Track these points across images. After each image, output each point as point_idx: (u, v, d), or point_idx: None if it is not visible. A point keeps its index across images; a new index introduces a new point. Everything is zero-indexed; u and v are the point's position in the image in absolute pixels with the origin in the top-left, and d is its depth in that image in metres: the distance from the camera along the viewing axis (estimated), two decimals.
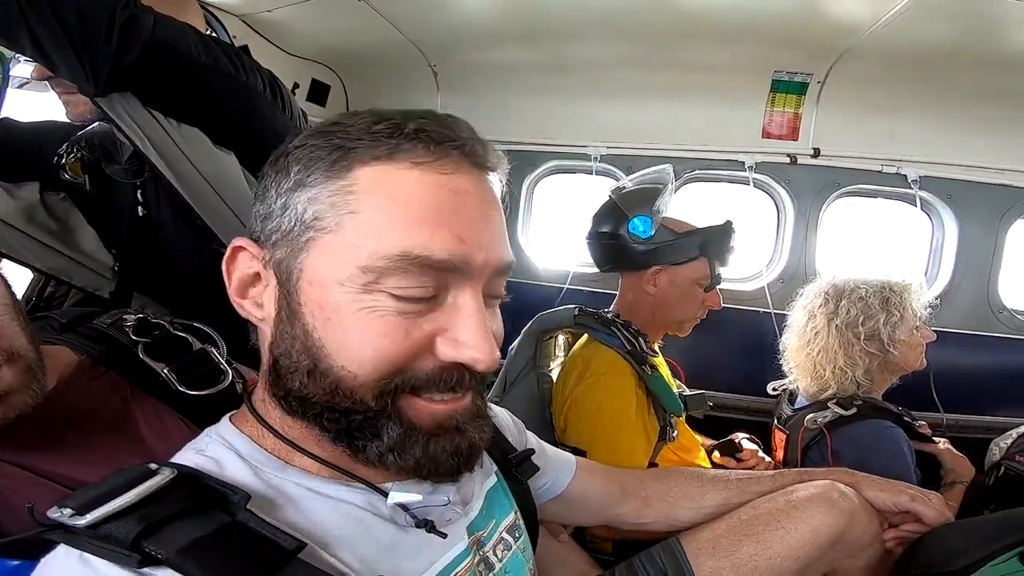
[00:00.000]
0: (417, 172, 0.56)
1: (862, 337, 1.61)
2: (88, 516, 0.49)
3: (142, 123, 1.11)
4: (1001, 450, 1.77)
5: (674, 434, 1.59)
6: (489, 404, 0.99)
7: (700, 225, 1.68)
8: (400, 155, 0.56)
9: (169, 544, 0.48)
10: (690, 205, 2.42)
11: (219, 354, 0.90)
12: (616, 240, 1.66)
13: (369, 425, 0.58)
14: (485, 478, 0.82)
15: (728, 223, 1.67)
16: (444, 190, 0.57)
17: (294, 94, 2.00)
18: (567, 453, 1.11)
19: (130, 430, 0.79)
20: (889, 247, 2.61)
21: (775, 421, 1.88)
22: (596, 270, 1.83)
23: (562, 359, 1.77)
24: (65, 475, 0.72)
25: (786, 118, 2.30)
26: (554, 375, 1.72)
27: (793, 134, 2.31)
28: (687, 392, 1.75)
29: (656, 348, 1.69)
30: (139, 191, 1.33)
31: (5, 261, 1.26)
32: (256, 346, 0.67)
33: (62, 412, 0.75)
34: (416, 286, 0.55)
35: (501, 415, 1.00)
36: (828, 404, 1.63)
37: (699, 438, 1.87)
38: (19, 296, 0.74)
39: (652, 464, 1.51)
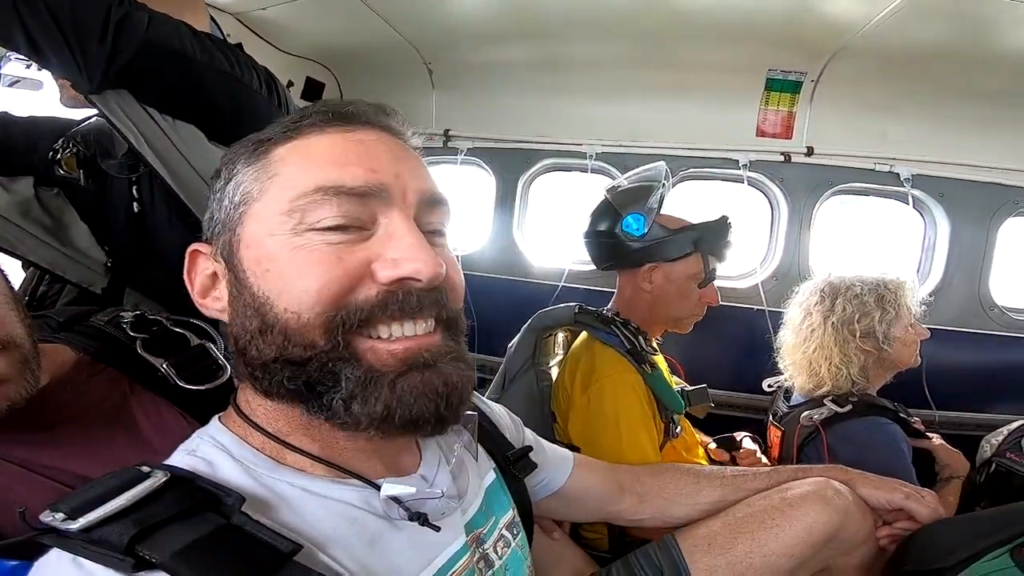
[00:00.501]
0: (326, 136, 0.63)
1: (858, 334, 1.62)
2: (81, 520, 0.48)
3: (137, 120, 1.10)
4: (992, 447, 1.79)
5: (678, 430, 1.60)
6: (486, 400, 1.00)
7: (694, 221, 1.68)
8: (306, 129, 0.64)
9: (163, 548, 0.48)
10: (685, 203, 2.42)
11: (216, 349, 0.90)
12: (612, 238, 1.67)
13: (327, 372, 0.57)
14: (484, 475, 0.83)
15: (723, 218, 1.67)
16: (351, 142, 0.63)
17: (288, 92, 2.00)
18: (565, 450, 1.11)
19: (130, 425, 0.79)
20: (882, 245, 2.62)
21: (770, 418, 1.89)
22: (591, 267, 1.83)
23: (561, 357, 1.77)
24: (64, 470, 0.72)
25: (780, 116, 2.31)
26: (553, 373, 1.72)
27: (787, 132, 2.32)
28: (688, 388, 1.76)
29: (655, 346, 1.70)
30: (134, 187, 1.32)
31: (1, 255, 1.26)
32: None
33: (61, 408, 0.75)
34: (337, 214, 0.59)
35: (499, 412, 1.00)
36: (824, 401, 1.64)
37: (699, 436, 1.88)
38: None
39: None
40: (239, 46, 1.26)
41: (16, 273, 1.59)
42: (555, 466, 1.05)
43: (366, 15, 1.98)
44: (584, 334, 1.63)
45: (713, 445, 1.83)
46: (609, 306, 1.74)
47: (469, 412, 0.80)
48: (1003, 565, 0.98)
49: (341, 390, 0.57)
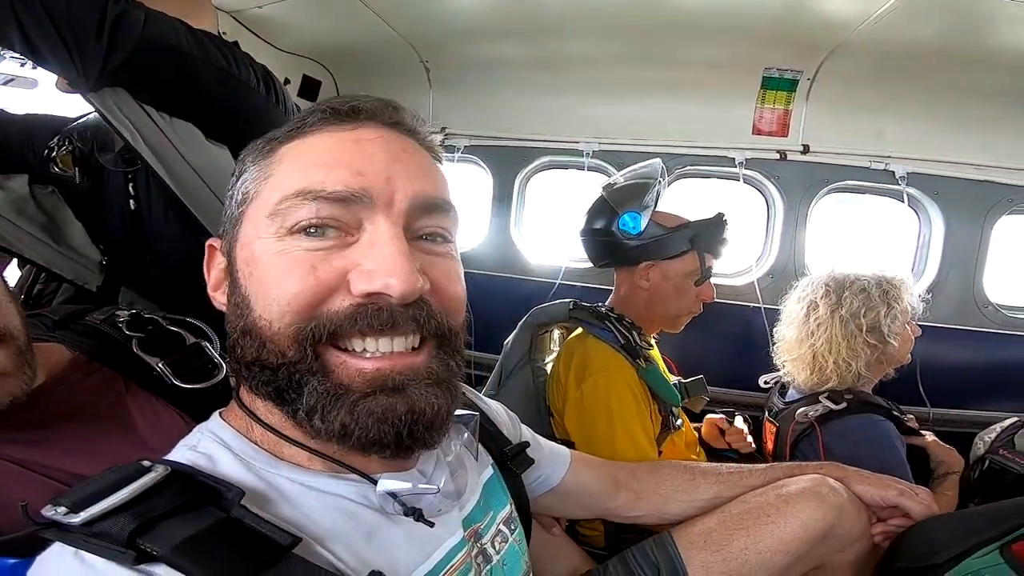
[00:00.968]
0: (324, 135, 0.62)
1: (864, 329, 1.62)
2: (82, 514, 0.49)
3: (134, 117, 1.10)
4: (986, 444, 1.80)
5: (678, 422, 1.60)
6: (482, 396, 1.00)
7: (690, 219, 1.68)
8: (310, 128, 0.63)
9: (164, 541, 0.48)
10: (681, 201, 2.42)
11: (212, 348, 0.90)
12: (608, 236, 1.67)
13: (294, 381, 0.57)
14: (482, 470, 0.83)
15: (719, 215, 1.68)
16: (346, 141, 0.62)
17: None
18: (562, 447, 1.12)
19: (125, 424, 0.79)
20: (877, 243, 2.63)
21: (766, 414, 1.90)
22: (588, 265, 1.84)
23: (557, 353, 1.77)
24: (60, 468, 0.72)
25: (776, 115, 2.31)
26: (549, 369, 1.73)
27: (783, 130, 2.32)
28: (685, 380, 1.77)
29: (651, 341, 1.70)
30: (131, 184, 1.32)
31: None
32: None
33: (56, 407, 0.75)
34: (315, 218, 0.57)
35: (496, 408, 1.00)
36: (819, 398, 1.65)
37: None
38: None
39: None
40: (235, 44, 1.26)
41: (11, 271, 1.59)
42: (552, 463, 1.06)
43: (362, 12, 1.98)
44: (579, 330, 1.64)
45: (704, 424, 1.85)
46: (606, 303, 1.74)
47: (470, 412, 0.80)
48: (993, 562, 0.99)
49: (303, 403, 0.57)
